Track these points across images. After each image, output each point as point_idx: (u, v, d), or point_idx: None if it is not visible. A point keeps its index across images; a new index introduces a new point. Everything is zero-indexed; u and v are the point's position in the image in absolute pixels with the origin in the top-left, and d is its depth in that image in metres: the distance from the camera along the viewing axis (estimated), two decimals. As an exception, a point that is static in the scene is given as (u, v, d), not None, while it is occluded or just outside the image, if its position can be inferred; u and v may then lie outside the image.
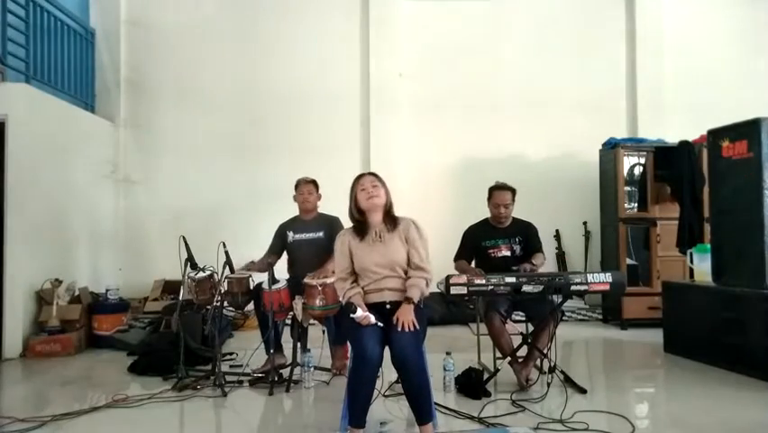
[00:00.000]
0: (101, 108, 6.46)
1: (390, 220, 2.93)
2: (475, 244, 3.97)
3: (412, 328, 2.61)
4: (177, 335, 3.96)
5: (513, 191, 3.95)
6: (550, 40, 6.76)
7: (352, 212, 2.96)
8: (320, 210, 4.31)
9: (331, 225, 4.15)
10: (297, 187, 4.27)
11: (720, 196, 4.30)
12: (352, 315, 2.68)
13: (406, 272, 2.88)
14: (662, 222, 5.75)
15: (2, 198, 4.75)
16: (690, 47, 6.77)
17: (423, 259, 2.88)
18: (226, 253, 3.83)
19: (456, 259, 4.01)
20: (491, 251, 3.92)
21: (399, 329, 2.60)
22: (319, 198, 4.29)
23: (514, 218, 4.02)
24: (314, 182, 4.28)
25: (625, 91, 6.80)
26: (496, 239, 3.94)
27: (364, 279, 2.87)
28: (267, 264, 3.86)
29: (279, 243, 4.27)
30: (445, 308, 5.97)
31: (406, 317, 2.64)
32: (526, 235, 3.99)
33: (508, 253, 3.91)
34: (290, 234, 4.23)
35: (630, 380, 4.17)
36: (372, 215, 2.92)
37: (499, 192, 3.93)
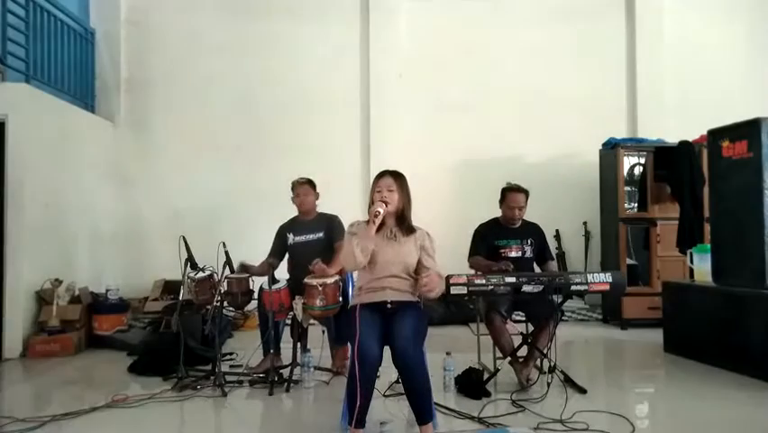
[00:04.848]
0: (101, 108, 6.46)
1: (403, 225, 2.93)
2: (488, 243, 3.96)
3: (434, 286, 2.69)
4: (177, 335, 3.96)
5: (526, 193, 3.95)
6: (550, 39, 6.75)
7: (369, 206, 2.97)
8: (320, 209, 4.29)
9: (330, 223, 4.15)
10: (293, 189, 4.22)
11: (720, 196, 4.30)
12: (378, 210, 2.79)
13: (410, 277, 2.89)
14: (662, 222, 5.75)
15: (2, 197, 4.74)
16: (690, 47, 6.77)
17: (436, 267, 2.91)
18: (226, 253, 3.82)
19: (471, 256, 3.99)
20: (502, 250, 3.91)
21: (426, 284, 2.68)
22: (317, 197, 4.24)
23: (523, 219, 4.02)
24: (309, 182, 4.22)
25: (625, 91, 6.80)
26: (508, 239, 3.93)
27: (367, 274, 2.87)
28: (267, 265, 3.85)
29: (280, 245, 4.24)
30: (445, 308, 5.97)
31: (435, 279, 2.72)
32: (538, 239, 4.00)
33: (519, 254, 3.90)
34: (290, 236, 4.20)
35: (630, 380, 4.18)
36: (386, 216, 2.92)
37: (514, 194, 3.92)
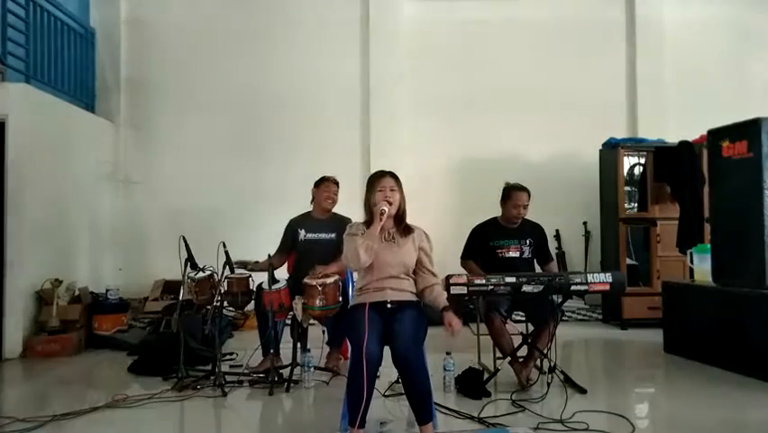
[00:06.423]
0: (101, 108, 6.46)
1: (401, 225, 2.95)
2: (483, 244, 3.96)
3: (459, 328, 2.75)
4: (177, 335, 3.96)
5: (529, 192, 3.95)
6: (550, 40, 6.76)
7: (366, 207, 2.96)
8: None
9: (344, 225, 4.08)
10: (320, 183, 4.19)
11: (720, 196, 4.30)
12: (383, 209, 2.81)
13: (409, 277, 2.90)
14: (662, 222, 5.75)
15: (2, 198, 4.74)
16: (689, 47, 6.77)
17: (433, 266, 2.95)
18: (226, 253, 3.82)
19: (464, 257, 4.01)
20: (499, 251, 3.91)
21: (454, 332, 2.74)
22: None
23: (523, 218, 4.02)
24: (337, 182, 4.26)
25: (625, 91, 6.80)
26: (505, 239, 3.93)
27: (367, 276, 2.87)
28: (267, 264, 3.84)
29: (290, 240, 4.19)
30: (445, 308, 5.96)
31: (456, 320, 2.78)
32: (538, 239, 4.00)
33: (517, 254, 3.90)
34: (302, 232, 4.16)
35: (630, 380, 4.17)
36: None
37: (518, 193, 3.92)
